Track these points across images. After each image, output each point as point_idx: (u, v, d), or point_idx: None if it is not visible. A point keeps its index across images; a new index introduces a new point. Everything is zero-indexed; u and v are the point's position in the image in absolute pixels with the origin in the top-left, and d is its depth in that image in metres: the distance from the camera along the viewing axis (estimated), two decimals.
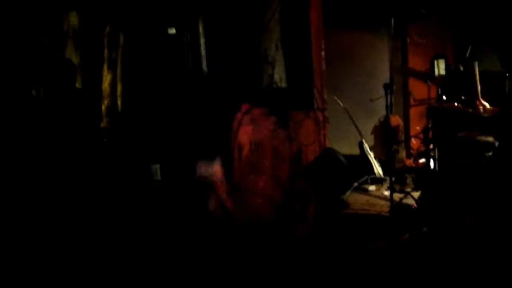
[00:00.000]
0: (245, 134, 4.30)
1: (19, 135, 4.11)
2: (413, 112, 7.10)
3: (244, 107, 4.51)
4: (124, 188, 4.63)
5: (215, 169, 4.58)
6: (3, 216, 3.91)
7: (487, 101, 4.73)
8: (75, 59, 4.75)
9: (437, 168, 5.08)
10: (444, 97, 5.25)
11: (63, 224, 4.09)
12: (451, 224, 4.38)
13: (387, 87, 5.26)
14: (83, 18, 4.83)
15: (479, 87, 4.77)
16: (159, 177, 4.76)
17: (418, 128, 6.71)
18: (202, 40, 5.52)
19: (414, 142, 6.90)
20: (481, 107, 4.69)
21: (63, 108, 4.38)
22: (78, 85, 4.70)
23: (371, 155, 6.47)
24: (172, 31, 5.28)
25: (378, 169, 6.41)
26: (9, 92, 4.15)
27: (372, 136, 6.94)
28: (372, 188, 6.19)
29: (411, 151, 6.98)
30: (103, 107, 4.82)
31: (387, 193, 5.68)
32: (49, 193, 4.14)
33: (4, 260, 3.79)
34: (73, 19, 4.83)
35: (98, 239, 4.17)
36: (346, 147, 6.70)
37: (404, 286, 3.83)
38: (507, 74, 5.12)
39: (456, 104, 4.93)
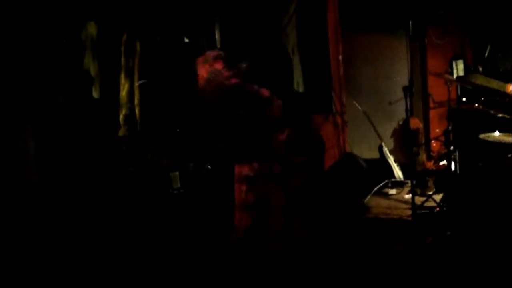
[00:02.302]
0: None
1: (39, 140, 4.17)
2: (433, 114, 7.04)
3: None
4: (144, 195, 4.64)
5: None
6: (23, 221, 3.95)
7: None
8: (93, 68, 4.78)
9: (458, 171, 5.02)
10: (464, 99, 5.19)
11: (80, 231, 4.11)
12: (475, 227, 4.32)
13: (406, 90, 5.22)
14: (101, 27, 4.86)
15: (495, 83, 4.67)
16: (178, 185, 4.76)
17: (438, 130, 6.66)
18: (218, 46, 5.52)
19: (434, 144, 6.84)
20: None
21: (81, 116, 4.42)
22: (95, 94, 4.73)
23: (391, 159, 6.43)
24: (189, 37, 5.29)
25: (398, 173, 6.36)
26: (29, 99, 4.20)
27: (392, 140, 6.89)
28: (393, 192, 6.15)
29: (432, 153, 6.92)
30: (121, 116, 4.84)
31: (408, 196, 5.63)
32: (68, 200, 4.17)
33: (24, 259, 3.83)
34: (91, 29, 4.86)
35: (118, 247, 4.19)
36: (365, 151, 6.67)
37: None
38: None
39: (476, 105, 4.87)
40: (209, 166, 4.89)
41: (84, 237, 4.13)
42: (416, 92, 6.53)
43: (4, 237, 3.82)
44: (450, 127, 5.20)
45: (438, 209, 5.08)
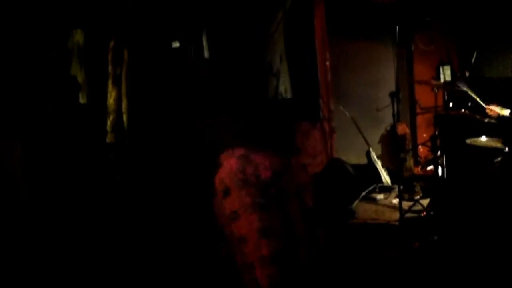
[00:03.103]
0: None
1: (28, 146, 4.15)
2: (420, 120, 7.08)
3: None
4: (131, 203, 4.63)
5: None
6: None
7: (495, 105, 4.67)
8: (80, 76, 4.78)
9: (445, 176, 5.05)
10: (451, 104, 5.23)
11: (68, 237, 4.10)
12: (462, 232, 4.34)
13: (393, 96, 5.25)
14: (88, 34, 4.86)
15: (477, 99, 4.72)
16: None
17: (425, 136, 6.70)
18: (206, 53, 5.53)
19: (421, 150, 6.87)
20: (491, 112, 4.62)
21: (69, 123, 4.40)
22: (83, 101, 4.72)
23: (378, 164, 6.45)
24: (176, 44, 5.30)
25: (386, 178, 6.38)
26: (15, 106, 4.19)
27: (380, 145, 6.91)
28: (380, 197, 6.17)
29: (419, 159, 6.95)
30: (109, 123, 4.84)
31: (395, 201, 5.65)
32: (55, 205, 4.15)
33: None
34: (78, 36, 4.86)
35: (106, 253, 4.17)
36: (353, 157, 6.68)
37: None
38: None
39: (463, 110, 4.90)
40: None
41: (72, 243, 4.11)
42: (403, 98, 6.58)
43: None
44: (437, 133, 5.23)
45: (424, 213, 5.11)
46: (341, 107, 6.68)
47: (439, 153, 5.23)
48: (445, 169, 5.09)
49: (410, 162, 6.84)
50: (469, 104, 4.90)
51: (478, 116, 4.71)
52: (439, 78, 6.37)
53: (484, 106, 4.64)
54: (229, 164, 3.16)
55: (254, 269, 3.01)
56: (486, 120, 4.60)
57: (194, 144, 4.74)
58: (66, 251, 4.06)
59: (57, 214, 4.19)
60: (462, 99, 4.99)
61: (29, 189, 4.20)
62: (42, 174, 4.25)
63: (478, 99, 4.69)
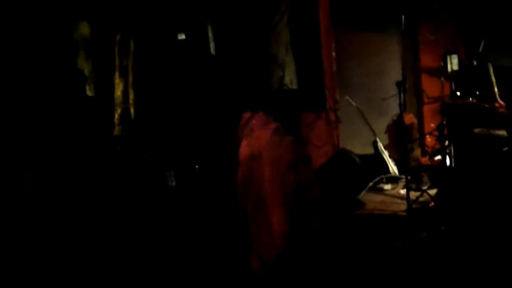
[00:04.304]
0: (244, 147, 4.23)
1: (36, 141, 4.15)
2: (427, 109, 7.06)
3: (245, 116, 4.41)
4: (139, 195, 4.64)
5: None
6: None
7: (503, 98, 4.65)
8: (86, 68, 4.78)
9: (453, 165, 5.03)
10: (458, 93, 5.20)
11: (77, 229, 4.10)
12: (470, 222, 4.33)
13: (400, 85, 5.23)
14: (94, 27, 4.86)
15: (496, 89, 4.69)
16: (173, 183, 4.76)
17: (432, 125, 6.67)
18: (212, 45, 5.52)
19: (429, 139, 6.85)
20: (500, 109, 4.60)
21: (76, 116, 4.41)
22: (90, 93, 4.73)
23: (385, 154, 6.43)
24: (182, 36, 5.29)
25: (393, 168, 6.37)
26: (26, 99, 4.19)
27: (386, 135, 6.89)
28: (387, 187, 6.16)
29: (426, 149, 6.94)
30: (116, 115, 4.84)
31: (403, 192, 5.65)
32: (64, 198, 4.16)
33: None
34: (84, 28, 4.86)
35: (113, 245, 4.18)
36: (359, 147, 6.67)
37: (423, 286, 3.79)
38: None
39: (470, 99, 4.87)
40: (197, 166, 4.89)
41: (80, 236, 4.12)
42: (410, 88, 6.55)
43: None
44: (444, 122, 5.20)
45: (432, 203, 5.10)
46: (347, 97, 6.67)
47: (446, 142, 5.21)
48: (452, 158, 5.07)
49: (417, 152, 6.82)
50: (477, 93, 4.87)
51: (486, 105, 4.68)
52: (446, 67, 6.33)
53: (497, 97, 4.60)
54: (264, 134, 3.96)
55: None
56: (494, 109, 4.57)
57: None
58: (77, 247, 4.07)
59: (64, 208, 4.20)
60: (470, 87, 4.96)
61: (37, 181, 4.21)
62: (51, 166, 4.26)
63: (495, 88, 4.64)
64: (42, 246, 3.95)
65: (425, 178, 5.93)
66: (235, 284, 3.80)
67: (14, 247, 3.85)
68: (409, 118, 6.70)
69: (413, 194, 5.30)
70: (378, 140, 6.51)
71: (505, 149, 4.35)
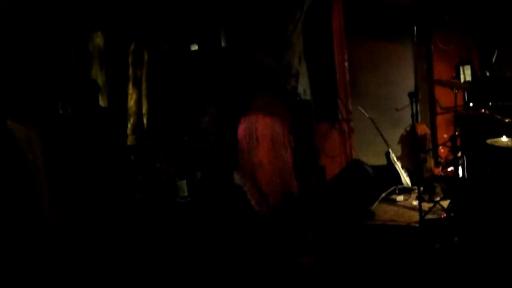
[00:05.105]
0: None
1: (49, 151, 4.18)
2: (440, 120, 7.03)
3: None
4: (152, 204, 4.66)
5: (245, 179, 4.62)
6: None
7: None
8: (100, 79, 4.82)
9: (466, 176, 5.01)
10: (471, 104, 5.18)
11: (88, 239, 4.13)
12: (483, 233, 4.31)
13: (412, 96, 5.23)
14: (108, 37, 4.90)
15: None
16: (185, 193, 4.78)
17: (445, 136, 6.64)
18: (224, 55, 5.55)
19: (442, 150, 6.82)
20: None
21: (89, 126, 4.44)
22: (103, 103, 4.77)
23: (398, 165, 6.42)
24: (195, 47, 5.33)
25: (406, 179, 6.35)
26: (37, 109, 4.23)
27: (399, 146, 6.88)
28: (400, 198, 6.13)
29: (439, 159, 6.91)
30: (129, 125, 4.87)
31: (415, 203, 5.62)
32: (76, 207, 4.19)
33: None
34: (98, 39, 4.90)
35: (126, 255, 4.20)
36: (372, 158, 6.66)
37: None
38: None
39: (483, 110, 4.86)
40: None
41: (92, 245, 4.14)
42: (423, 98, 6.54)
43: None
44: (457, 133, 5.18)
45: (445, 215, 5.07)
46: (360, 107, 6.67)
47: (459, 153, 5.18)
48: (465, 169, 5.04)
49: (430, 162, 6.79)
50: (490, 103, 4.85)
51: (499, 116, 4.66)
52: (459, 78, 6.32)
53: None
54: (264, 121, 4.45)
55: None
56: (507, 120, 4.55)
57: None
58: (86, 251, 4.10)
59: (77, 215, 4.23)
60: (483, 98, 4.95)
61: (49, 190, 4.25)
62: (64, 176, 4.29)
63: None
64: (53, 254, 3.98)
65: (438, 189, 5.89)
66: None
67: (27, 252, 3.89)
68: (422, 129, 6.68)
69: (426, 205, 5.28)
70: (390, 151, 6.49)
71: None
